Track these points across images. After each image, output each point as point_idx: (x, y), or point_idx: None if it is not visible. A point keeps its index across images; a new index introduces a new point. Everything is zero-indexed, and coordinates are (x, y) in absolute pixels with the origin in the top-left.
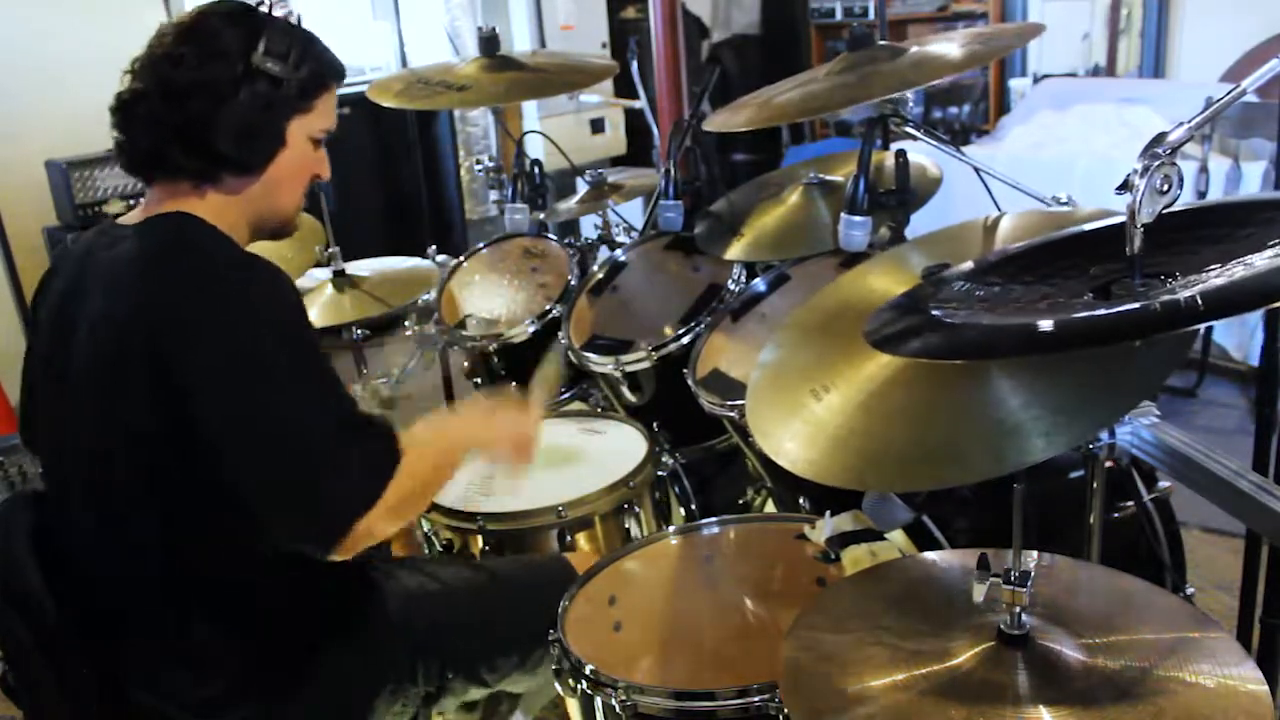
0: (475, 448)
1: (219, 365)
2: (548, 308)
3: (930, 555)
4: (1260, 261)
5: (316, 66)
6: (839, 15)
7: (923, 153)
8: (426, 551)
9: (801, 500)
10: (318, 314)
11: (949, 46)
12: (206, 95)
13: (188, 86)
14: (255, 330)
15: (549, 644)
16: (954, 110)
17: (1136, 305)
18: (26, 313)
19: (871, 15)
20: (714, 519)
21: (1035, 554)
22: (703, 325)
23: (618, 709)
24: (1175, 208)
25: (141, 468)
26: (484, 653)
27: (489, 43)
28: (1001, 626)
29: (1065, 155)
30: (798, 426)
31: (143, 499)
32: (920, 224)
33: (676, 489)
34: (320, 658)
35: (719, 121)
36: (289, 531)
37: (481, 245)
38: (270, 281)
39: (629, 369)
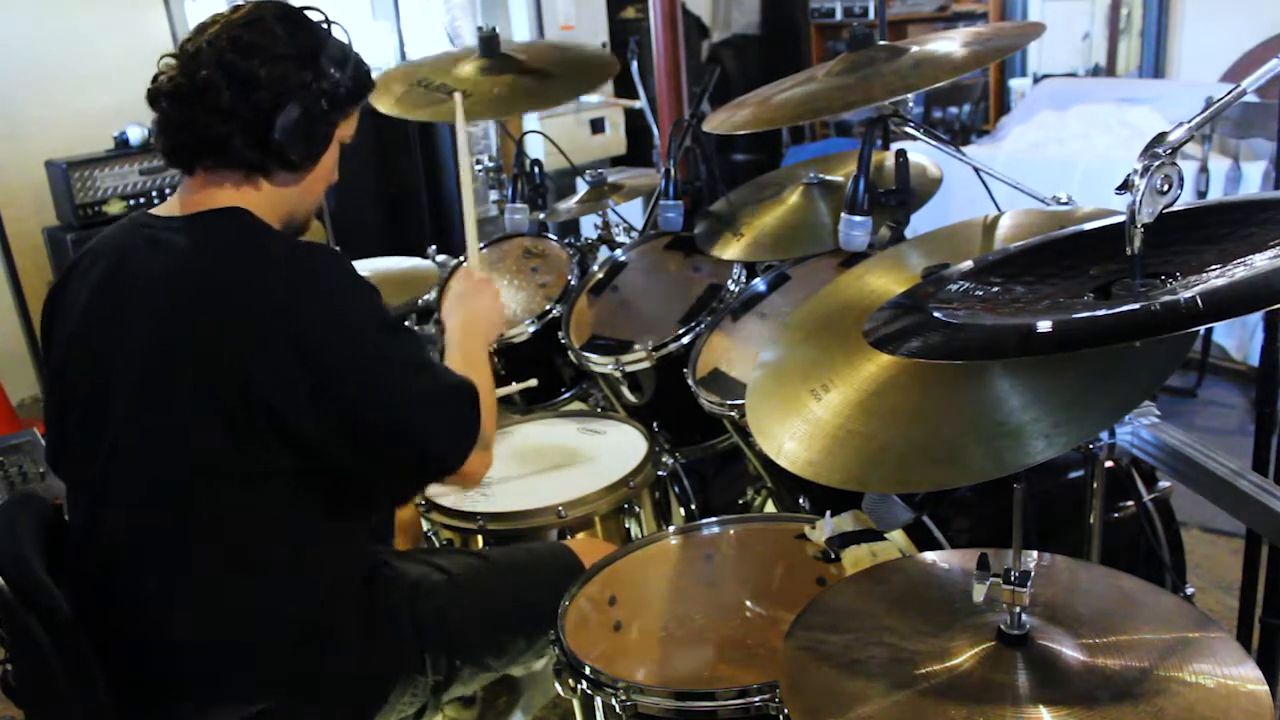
0: (484, 341)
1: (355, 346)
2: (548, 308)
3: (930, 555)
4: (1260, 262)
5: (360, 76)
6: (839, 15)
7: (923, 153)
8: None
9: (801, 500)
10: None
11: (949, 45)
12: (277, 88)
13: (259, 78)
14: (370, 308)
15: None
16: (954, 110)
17: (1136, 306)
18: (27, 313)
19: (871, 15)
20: (714, 519)
21: (1035, 554)
22: (703, 325)
23: (618, 709)
24: (1175, 208)
25: (223, 459)
26: (490, 639)
27: (489, 42)
28: (1001, 626)
29: (1065, 155)
30: (798, 426)
31: (220, 494)
32: (920, 224)
33: (676, 489)
34: (337, 652)
35: (718, 121)
36: (420, 472)
37: (482, 245)
38: (352, 268)
39: (629, 369)
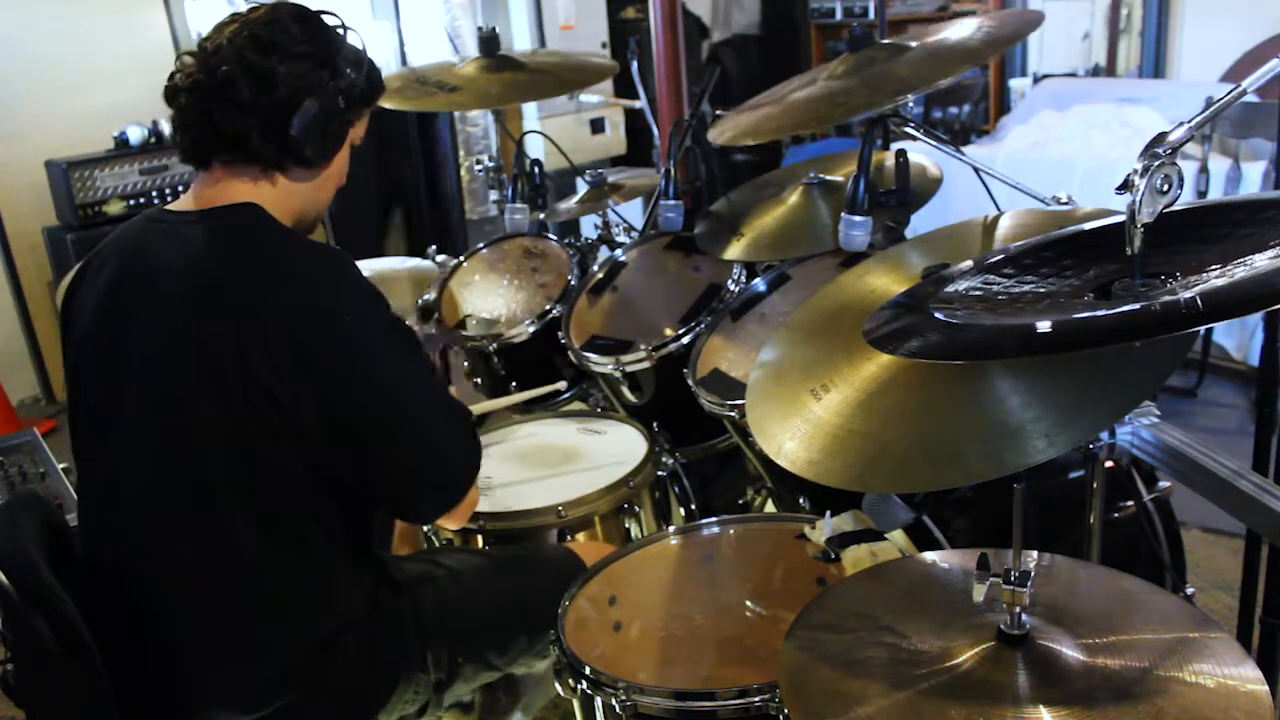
0: None
1: (358, 350)
2: (548, 308)
3: (930, 555)
4: (1260, 261)
5: (374, 78)
6: (839, 15)
7: (923, 153)
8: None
9: (801, 500)
10: None
11: (958, 34)
12: (295, 86)
13: (278, 75)
14: (375, 313)
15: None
16: (954, 110)
17: (1136, 306)
18: (27, 313)
19: (871, 15)
20: (714, 519)
21: (1035, 554)
22: (703, 325)
23: (618, 709)
24: (1175, 208)
25: (230, 459)
26: (492, 637)
27: (488, 42)
28: (1001, 626)
29: (1065, 155)
30: (798, 426)
31: (228, 494)
32: (920, 224)
33: (676, 489)
34: (342, 654)
35: (726, 127)
36: (423, 497)
37: (481, 245)
38: (359, 272)
39: (629, 369)
